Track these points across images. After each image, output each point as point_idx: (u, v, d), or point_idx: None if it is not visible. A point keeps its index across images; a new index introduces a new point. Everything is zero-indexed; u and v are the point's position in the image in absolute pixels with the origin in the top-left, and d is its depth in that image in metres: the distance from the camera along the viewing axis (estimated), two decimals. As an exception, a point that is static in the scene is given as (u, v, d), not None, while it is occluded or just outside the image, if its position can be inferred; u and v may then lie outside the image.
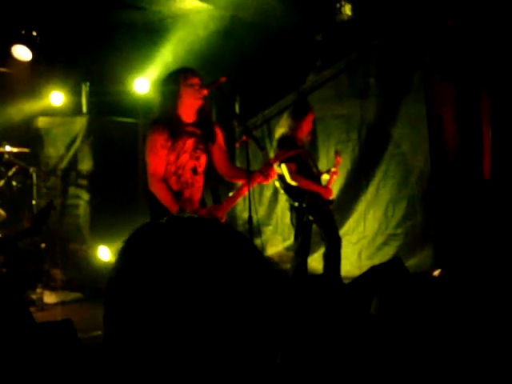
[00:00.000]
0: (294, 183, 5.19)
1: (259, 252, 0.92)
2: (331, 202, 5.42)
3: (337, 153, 5.75)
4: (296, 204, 5.27)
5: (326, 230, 5.32)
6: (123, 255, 0.89)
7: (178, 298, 0.83)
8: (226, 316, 0.84)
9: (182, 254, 0.85)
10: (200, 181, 3.97)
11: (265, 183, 4.09)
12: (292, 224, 5.43)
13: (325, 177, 5.55)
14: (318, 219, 5.28)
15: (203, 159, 3.96)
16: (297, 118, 5.29)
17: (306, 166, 5.31)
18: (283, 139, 5.27)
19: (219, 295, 0.84)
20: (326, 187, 5.38)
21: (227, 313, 0.84)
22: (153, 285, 0.85)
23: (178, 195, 3.84)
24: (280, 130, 5.37)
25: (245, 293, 0.86)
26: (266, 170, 3.88)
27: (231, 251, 0.88)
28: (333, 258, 5.26)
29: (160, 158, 3.81)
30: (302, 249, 5.33)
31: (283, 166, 5.16)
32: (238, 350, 0.85)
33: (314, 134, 7.17)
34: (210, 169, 4.03)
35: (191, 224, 0.91)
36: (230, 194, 3.98)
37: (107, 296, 0.89)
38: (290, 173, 5.18)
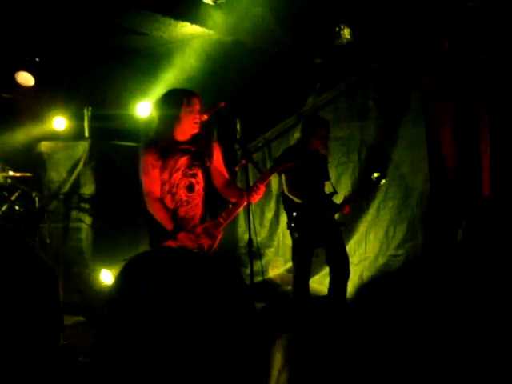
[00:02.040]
0: (290, 196, 5.03)
1: (239, 279, 0.97)
2: (342, 224, 5.21)
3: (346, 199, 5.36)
4: (286, 221, 5.15)
5: (328, 253, 5.14)
6: (119, 281, 0.94)
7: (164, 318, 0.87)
8: (209, 333, 0.89)
9: (163, 282, 0.90)
10: (197, 198, 3.96)
11: (254, 200, 3.99)
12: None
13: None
14: (305, 241, 5.01)
15: (201, 176, 3.95)
16: (305, 130, 5.18)
17: (310, 180, 5.07)
18: (286, 149, 5.21)
19: (202, 318, 0.89)
20: (332, 207, 5.11)
21: (210, 330, 0.89)
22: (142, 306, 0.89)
23: (173, 214, 3.86)
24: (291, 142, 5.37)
25: (223, 315, 0.90)
26: (256, 186, 3.88)
27: (208, 280, 0.93)
28: (337, 283, 5.10)
29: (152, 178, 3.84)
30: (299, 270, 5.07)
31: (282, 176, 5.05)
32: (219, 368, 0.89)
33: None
34: (209, 185, 4.04)
35: (172, 255, 0.96)
36: (226, 210, 3.99)
37: (106, 315, 0.93)
38: (287, 184, 5.04)
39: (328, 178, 5.35)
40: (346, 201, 5.19)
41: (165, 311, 0.90)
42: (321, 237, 5.06)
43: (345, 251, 5.20)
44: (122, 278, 0.96)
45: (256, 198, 3.94)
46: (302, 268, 5.06)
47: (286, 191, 5.05)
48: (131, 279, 0.95)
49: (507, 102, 5.60)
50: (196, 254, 0.99)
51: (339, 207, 5.12)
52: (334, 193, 5.28)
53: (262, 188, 3.91)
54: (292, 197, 5.01)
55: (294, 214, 5.02)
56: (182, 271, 0.94)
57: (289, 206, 5.10)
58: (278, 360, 1.37)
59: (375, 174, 5.18)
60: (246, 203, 3.80)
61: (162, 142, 3.84)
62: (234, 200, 4.03)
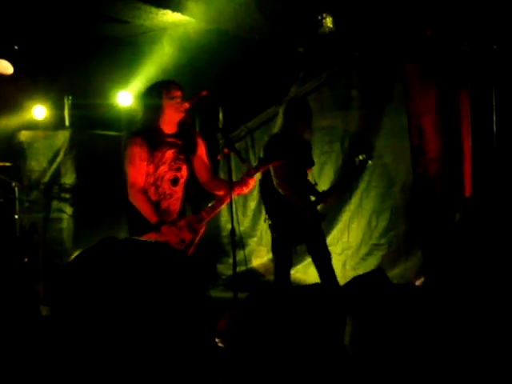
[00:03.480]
0: (282, 192, 4.78)
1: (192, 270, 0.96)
2: (322, 217, 4.99)
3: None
4: (266, 217, 4.95)
5: (309, 248, 4.93)
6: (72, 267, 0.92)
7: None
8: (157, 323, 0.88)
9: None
10: (179, 191, 3.97)
11: (243, 193, 4.04)
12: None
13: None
14: (283, 240, 4.84)
15: (185, 170, 3.98)
16: (289, 114, 4.92)
17: (296, 168, 4.88)
18: (272, 139, 4.94)
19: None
20: (316, 197, 4.95)
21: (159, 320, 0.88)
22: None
23: (155, 206, 3.85)
24: (273, 130, 5.09)
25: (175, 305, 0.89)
26: (244, 179, 3.91)
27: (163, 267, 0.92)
28: (322, 274, 4.90)
29: (138, 169, 3.82)
30: (279, 268, 4.90)
31: (271, 168, 4.77)
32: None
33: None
34: (192, 179, 4.04)
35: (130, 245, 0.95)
36: (210, 205, 3.98)
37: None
38: (276, 175, 4.79)
39: (313, 164, 5.16)
40: (329, 190, 5.08)
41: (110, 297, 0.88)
42: (300, 235, 4.87)
43: (326, 247, 4.98)
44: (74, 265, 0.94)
45: (243, 192, 3.96)
46: (282, 266, 4.89)
47: (274, 182, 4.80)
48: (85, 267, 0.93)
49: (489, 92, 5.61)
50: (150, 244, 0.98)
51: (322, 197, 4.99)
52: (315, 184, 5.12)
53: (250, 182, 3.92)
54: (279, 189, 4.79)
55: (267, 215, 4.88)
56: (134, 261, 0.93)
57: (267, 199, 4.93)
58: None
59: (360, 157, 5.06)
60: (229, 200, 3.79)
61: (149, 133, 3.83)
62: (217, 193, 4.02)
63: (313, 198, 5.02)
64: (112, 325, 0.88)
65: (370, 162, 5.09)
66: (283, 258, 4.88)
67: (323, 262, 4.89)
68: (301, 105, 5.04)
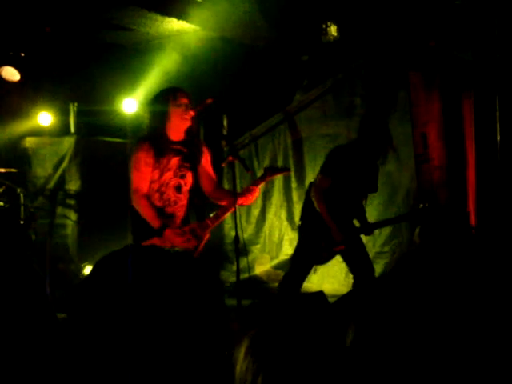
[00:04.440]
0: (315, 203, 4.45)
1: (213, 277, 0.97)
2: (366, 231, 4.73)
3: None
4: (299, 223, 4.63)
5: (350, 266, 4.66)
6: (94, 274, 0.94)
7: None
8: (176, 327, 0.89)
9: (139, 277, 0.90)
10: (184, 199, 3.99)
11: (247, 203, 4.05)
12: None
13: None
14: (307, 255, 4.56)
15: (189, 177, 4.00)
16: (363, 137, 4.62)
17: (349, 194, 4.53)
18: (336, 150, 4.62)
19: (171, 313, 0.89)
20: (351, 232, 4.54)
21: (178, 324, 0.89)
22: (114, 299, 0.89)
23: (160, 212, 3.87)
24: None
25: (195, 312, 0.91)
26: (249, 189, 3.93)
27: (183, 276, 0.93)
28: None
29: (143, 175, 3.84)
30: (292, 273, 4.65)
31: (318, 175, 4.50)
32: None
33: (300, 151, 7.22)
34: (196, 187, 4.07)
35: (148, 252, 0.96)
36: (214, 213, 4.00)
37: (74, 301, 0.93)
38: (317, 185, 4.47)
39: (375, 190, 4.78)
40: (379, 224, 4.80)
41: (136, 305, 0.90)
42: (326, 254, 4.59)
43: (369, 261, 4.68)
44: (94, 273, 0.96)
45: (247, 202, 3.96)
46: (297, 279, 4.63)
47: (312, 191, 4.50)
48: (104, 274, 0.95)
49: (492, 100, 5.63)
50: (168, 252, 1.00)
51: (368, 228, 4.68)
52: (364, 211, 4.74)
53: (255, 192, 3.93)
54: (313, 198, 4.47)
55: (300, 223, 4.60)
56: (153, 268, 0.94)
57: (307, 208, 4.59)
58: (241, 354, 1.37)
59: (421, 205, 4.75)
60: (233, 209, 3.80)
61: (155, 139, 3.85)
62: (221, 203, 4.04)
63: (357, 225, 4.74)
64: (130, 331, 0.89)
65: (429, 213, 4.70)
66: (299, 273, 4.63)
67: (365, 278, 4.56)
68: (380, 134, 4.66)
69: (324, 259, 4.65)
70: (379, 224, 4.97)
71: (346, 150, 4.63)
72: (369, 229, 4.74)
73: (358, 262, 4.63)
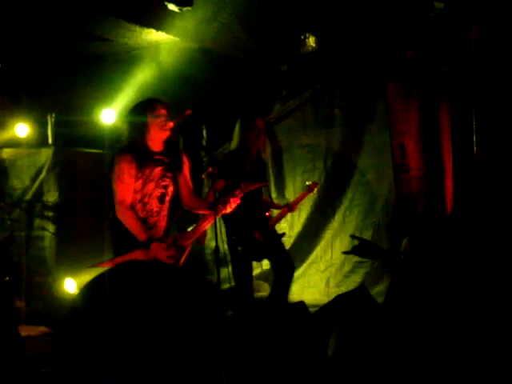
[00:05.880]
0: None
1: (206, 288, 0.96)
2: (282, 235, 5.16)
3: (309, 187, 5.52)
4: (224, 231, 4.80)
5: (273, 263, 5.00)
6: (84, 294, 0.92)
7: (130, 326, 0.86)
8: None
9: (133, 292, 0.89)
10: (165, 209, 3.98)
11: (226, 212, 4.07)
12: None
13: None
14: (246, 255, 4.83)
15: (171, 187, 3.99)
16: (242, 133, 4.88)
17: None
18: (227, 155, 4.94)
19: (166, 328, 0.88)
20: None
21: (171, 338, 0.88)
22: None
23: (142, 223, 3.85)
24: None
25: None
26: (227, 199, 3.95)
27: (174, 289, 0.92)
28: (279, 285, 4.96)
29: (127, 186, 3.82)
30: (242, 285, 4.86)
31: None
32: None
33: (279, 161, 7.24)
34: (177, 198, 4.06)
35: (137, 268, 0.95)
36: (195, 224, 3.99)
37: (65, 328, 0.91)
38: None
39: (265, 183, 5.06)
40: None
41: (133, 322, 0.89)
42: (261, 250, 4.89)
43: (290, 258, 5.03)
44: (86, 292, 0.94)
45: (226, 211, 4.01)
46: (245, 282, 4.88)
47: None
48: (96, 294, 0.93)
49: (469, 111, 5.70)
50: (166, 266, 0.99)
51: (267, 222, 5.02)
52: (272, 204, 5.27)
53: (234, 202, 3.97)
54: None
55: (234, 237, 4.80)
56: (150, 284, 0.93)
57: (228, 221, 4.81)
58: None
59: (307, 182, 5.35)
60: (213, 220, 3.81)
61: (137, 150, 3.83)
62: (198, 212, 4.09)
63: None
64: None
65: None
66: (245, 275, 4.89)
67: (286, 273, 4.92)
68: (254, 121, 4.93)
69: (253, 254, 4.88)
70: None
71: (233, 155, 4.86)
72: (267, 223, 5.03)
73: (277, 257, 4.93)
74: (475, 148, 5.43)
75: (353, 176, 6.68)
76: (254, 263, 5.68)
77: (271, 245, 4.96)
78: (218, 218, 3.87)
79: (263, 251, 4.95)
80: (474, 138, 5.43)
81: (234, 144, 4.96)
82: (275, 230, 5.21)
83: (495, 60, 5.22)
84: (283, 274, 4.95)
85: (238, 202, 4.04)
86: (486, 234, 2.94)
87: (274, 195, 7.26)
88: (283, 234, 5.30)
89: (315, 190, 5.55)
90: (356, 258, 6.57)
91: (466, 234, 2.89)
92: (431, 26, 5.76)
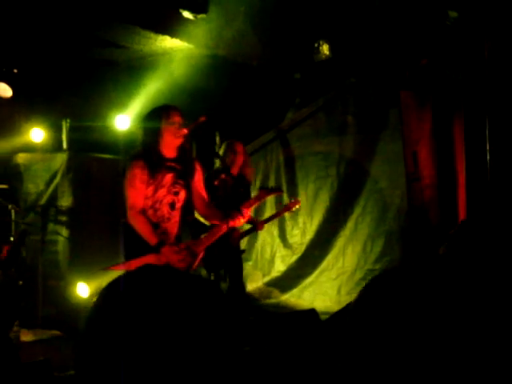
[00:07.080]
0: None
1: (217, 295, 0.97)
2: (243, 251, 5.37)
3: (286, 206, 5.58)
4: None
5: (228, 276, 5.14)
6: (101, 300, 0.94)
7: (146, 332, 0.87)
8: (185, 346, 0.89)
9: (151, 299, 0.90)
10: (177, 216, 3.99)
11: (239, 224, 4.10)
12: None
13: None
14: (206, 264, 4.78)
15: (182, 194, 4.00)
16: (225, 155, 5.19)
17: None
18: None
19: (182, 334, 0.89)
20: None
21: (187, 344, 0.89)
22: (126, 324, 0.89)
23: (154, 228, 3.87)
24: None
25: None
26: (241, 210, 3.96)
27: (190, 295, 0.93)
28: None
29: (138, 192, 3.84)
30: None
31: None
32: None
33: (292, 168, 7.24)
34: (189, 204, 4.07)
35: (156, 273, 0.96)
36: (209, 231, 4.01)
37: (83, 334, 0.93)
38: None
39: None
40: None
41: (147, 327, 0.90)
42: (220, 261, 4.95)
43: (241, 279, 5.24)
44: (103, 296, 0.96)
45: (240, 222, 4.04)
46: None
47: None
48: (112, 298, 0.95)
49: (482, 119, 5.68)
50: (178, 272, 1.01)
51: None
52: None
53: (247, 213, 3.99)
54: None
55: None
56: (164, 289, 0.94)
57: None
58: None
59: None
60: (226, 228, 3.83)
61: (149, 156, 3.86)
62: (212, 222, 4.10)
63: None
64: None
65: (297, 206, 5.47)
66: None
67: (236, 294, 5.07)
68: (233, 145, 5.29)
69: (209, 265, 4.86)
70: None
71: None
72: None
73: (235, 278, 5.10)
74: (488, 156, 5.41)
75: (365, 184, 6.67)
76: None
77: (228, 259, 5.01)
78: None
79: (219, 263, 4.95)
80: (488, 147, 5.41)
81: (217, 164, 5.10)
82: (238, 246, 5.27)
83: (509, 68, 5.21)
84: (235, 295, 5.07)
85: (250, 212, 4.05)
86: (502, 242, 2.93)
87: (285, 202, 7.27)
88: (243, 251, 5.42)
89: (294, 208, 5.52)
90: (368, 266, 6.56)
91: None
92: (445, 35, 5.76)
